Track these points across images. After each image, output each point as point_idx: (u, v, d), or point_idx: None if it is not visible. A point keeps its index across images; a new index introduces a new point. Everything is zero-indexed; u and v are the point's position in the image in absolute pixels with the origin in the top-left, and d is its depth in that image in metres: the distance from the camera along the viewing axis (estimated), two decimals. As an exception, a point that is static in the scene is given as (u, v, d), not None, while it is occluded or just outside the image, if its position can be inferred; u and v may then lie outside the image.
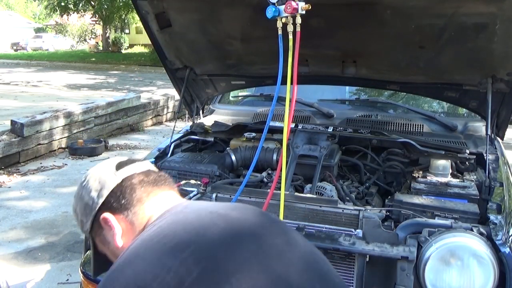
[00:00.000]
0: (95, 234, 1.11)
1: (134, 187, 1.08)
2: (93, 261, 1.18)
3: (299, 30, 1.57)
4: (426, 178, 2.04)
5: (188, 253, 0.87)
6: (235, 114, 2.94)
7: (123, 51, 30.48)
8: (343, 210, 1.74)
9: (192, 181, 2.04)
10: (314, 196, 1.88)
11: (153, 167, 1.17)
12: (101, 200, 1.07)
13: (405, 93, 2.92)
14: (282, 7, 1.59)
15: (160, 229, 0.95)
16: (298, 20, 1.58)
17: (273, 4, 1.60)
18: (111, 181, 1.08)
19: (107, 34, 30.07)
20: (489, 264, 1.49)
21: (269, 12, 1.61)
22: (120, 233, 1.05)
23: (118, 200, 1.06)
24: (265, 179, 2.08)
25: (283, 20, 1.61)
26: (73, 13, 29.42)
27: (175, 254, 0.87)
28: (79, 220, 1.13)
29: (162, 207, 1.06)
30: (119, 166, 1.12)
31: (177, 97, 3.15)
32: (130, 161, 1.15)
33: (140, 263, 0.88)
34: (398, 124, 2.63)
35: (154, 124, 8.58)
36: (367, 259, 1.59)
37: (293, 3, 1.56)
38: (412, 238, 1.59)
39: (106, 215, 1.06)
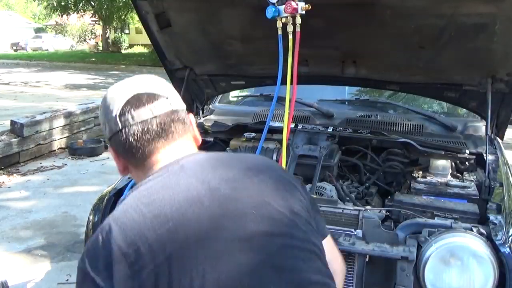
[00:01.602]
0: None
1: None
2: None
3: (299, 30, 1.57)
4: (426, 178, 2.04)
5: (165, 229, 0.88)
6: (235, 114, 2.94)
7: (123, 51, 30.44)
8: (343, 210, 1.74)
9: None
10: (314, 196, 1.87)
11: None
12: (116, 127, 1.00)
13: (405, 93, 2.92)
14: (282, 7, 1.59)
15: (148, 192, 0.94)
16: (298, 20, 1.58)
17: (273, 4, 1.60)
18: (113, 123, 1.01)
19: (107, 34, 30.03)
20: (489, 264, 1.49)
21: (269, 12, 1.61)
22: (121, 168, 1.07)
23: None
24: (265, 179, 2.08)
25: (283, 20, 1.61)
26: (73, 13, 29.39)
27: (154, 227, 0.88)
28: (101, 123, 1.08)
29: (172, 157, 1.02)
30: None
31: (177, 97, 3.14)
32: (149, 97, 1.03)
33: (126, 223, 0.90)
34: (398, 124, 2.62)
35: (154, 124, 8.57)
36: (367, 259, 1.59)
37: (293, 3, 1.56)
38: (412, 238, 1.59)
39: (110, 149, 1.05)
